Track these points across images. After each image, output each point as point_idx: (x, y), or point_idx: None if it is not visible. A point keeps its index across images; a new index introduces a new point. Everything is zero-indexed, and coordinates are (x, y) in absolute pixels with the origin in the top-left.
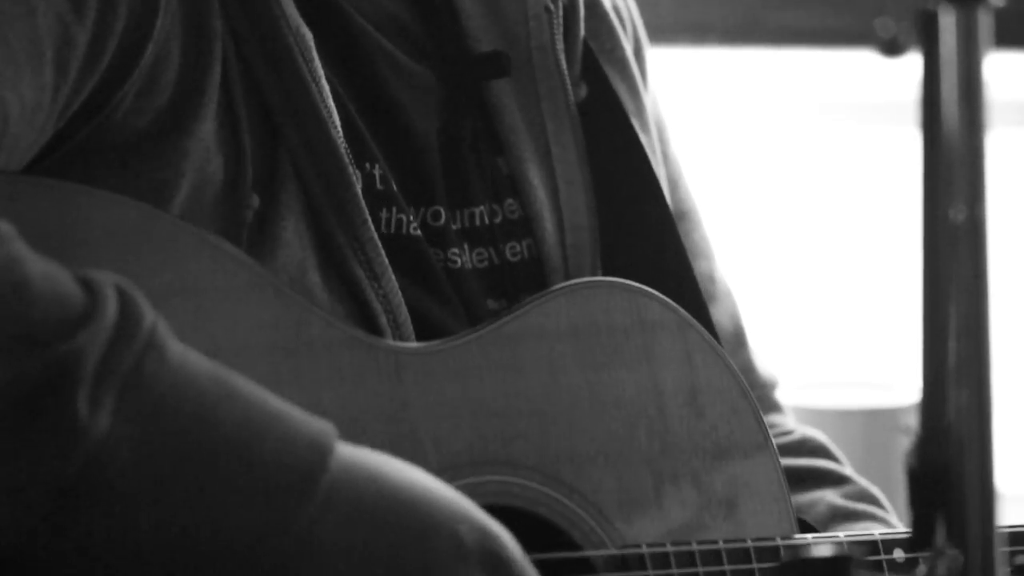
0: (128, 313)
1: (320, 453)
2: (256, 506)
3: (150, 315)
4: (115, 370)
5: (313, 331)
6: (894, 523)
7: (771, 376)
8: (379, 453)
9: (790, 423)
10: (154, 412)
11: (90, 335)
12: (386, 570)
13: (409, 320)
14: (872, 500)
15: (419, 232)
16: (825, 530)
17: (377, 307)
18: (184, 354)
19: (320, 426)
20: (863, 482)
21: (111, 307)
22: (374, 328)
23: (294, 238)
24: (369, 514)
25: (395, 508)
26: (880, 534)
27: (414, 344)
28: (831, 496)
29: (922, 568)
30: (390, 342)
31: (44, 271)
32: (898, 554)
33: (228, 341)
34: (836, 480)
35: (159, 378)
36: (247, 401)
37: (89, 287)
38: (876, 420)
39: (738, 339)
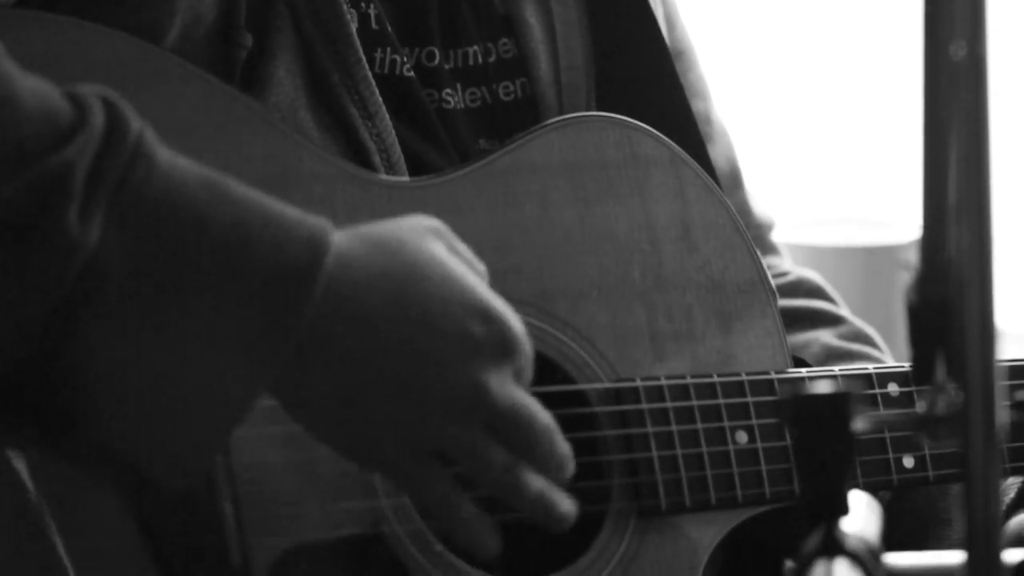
0: (115, 123)
1: (316, 250)
2: (253, 309)
3: (136, 123)
4: (104, 180)
5: (305, 165)
6: (888, 363)
7: (767, 217)
8: (379, 235)
9: (786, 264)
10: (146, 219)
11: (78, 148)
12: (393, 362)
13: (402, 159)
14: (867, 340)
15: (412, 73)
16: None
17: (371, 146)
18: (173, 160)
19: (316, 223)
20: (858, 322)
21: (98, 119)
22: (368, 166)
23: (286, 77)
24: (371, 309)
25: (398, 301)
26: (875, 368)
27: (406, 179)
28: (825, 336)
29: (921, 404)
30: (383, 176)
31: (32, 87)
32: (892, 388)
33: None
34: (831, 320)
35: (149, 185)
36: (240, 203)
37: (76, 100)
38: (876, 257)
39: (734, 180)
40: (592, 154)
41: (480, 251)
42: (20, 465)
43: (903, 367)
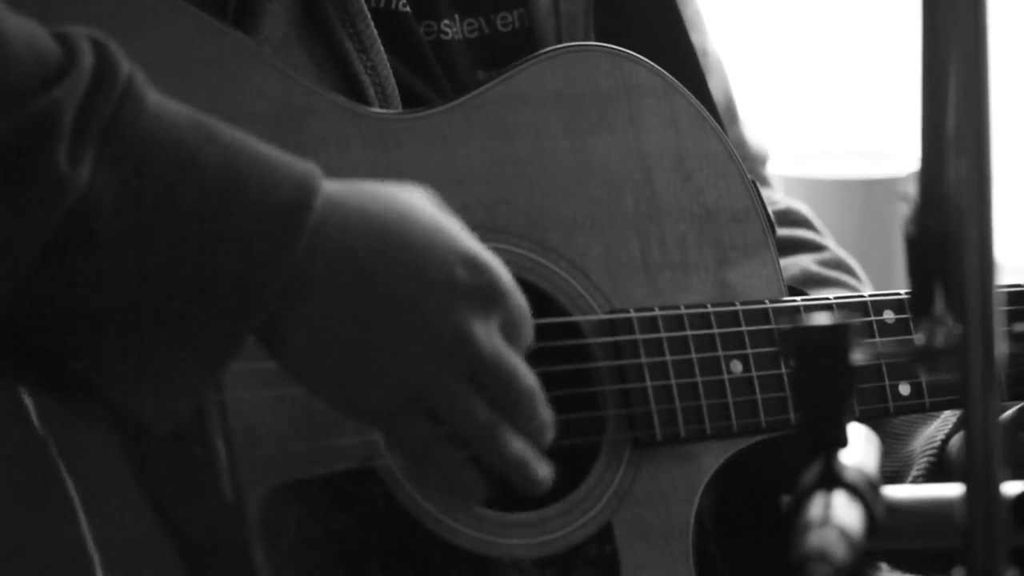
0: (104, 65)
1: (305, 193)
2: (242, 249)
3: (126, 65)
4: (94, 121)
5: (295, 99)
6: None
7: (762, 150)
8: (369, 187)
9: (776, 196)
10: (135, 160)
11: (67, 89)
12: (378, 308)
13: (397, 92)
14: (846, 269)
15: (408, 9)
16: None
17: (365, 79)
18: (163, 103)
19: (305, 167)
20: (840, 252)
21: (87, 60)
22: (362, 100)
23: (279, 10)
24: (358, 253)
25: (385, 247)
26: (870, 295)
27: (397, 111)
28: (805, 261)
29: (920, 336)
30: (374, 109)
31: (20, 28)
32: (888, 315)
33: (210, 110)
34: (813, 248)
35: (138, 126)
36: (229, 145)
37: (65, 42)
38: (875, 189)
39: (730, 113)
40: (584, 84)
41: (471, 183)
42: (28, 401)
43: (899, 294)
